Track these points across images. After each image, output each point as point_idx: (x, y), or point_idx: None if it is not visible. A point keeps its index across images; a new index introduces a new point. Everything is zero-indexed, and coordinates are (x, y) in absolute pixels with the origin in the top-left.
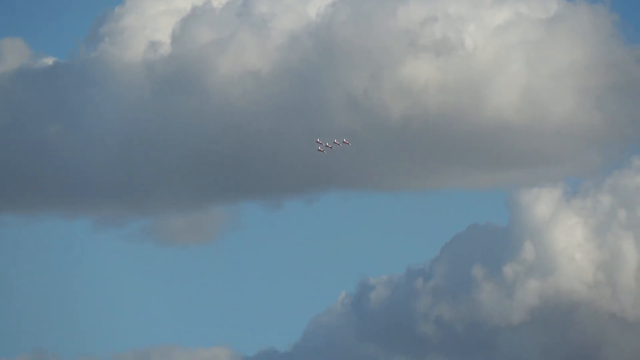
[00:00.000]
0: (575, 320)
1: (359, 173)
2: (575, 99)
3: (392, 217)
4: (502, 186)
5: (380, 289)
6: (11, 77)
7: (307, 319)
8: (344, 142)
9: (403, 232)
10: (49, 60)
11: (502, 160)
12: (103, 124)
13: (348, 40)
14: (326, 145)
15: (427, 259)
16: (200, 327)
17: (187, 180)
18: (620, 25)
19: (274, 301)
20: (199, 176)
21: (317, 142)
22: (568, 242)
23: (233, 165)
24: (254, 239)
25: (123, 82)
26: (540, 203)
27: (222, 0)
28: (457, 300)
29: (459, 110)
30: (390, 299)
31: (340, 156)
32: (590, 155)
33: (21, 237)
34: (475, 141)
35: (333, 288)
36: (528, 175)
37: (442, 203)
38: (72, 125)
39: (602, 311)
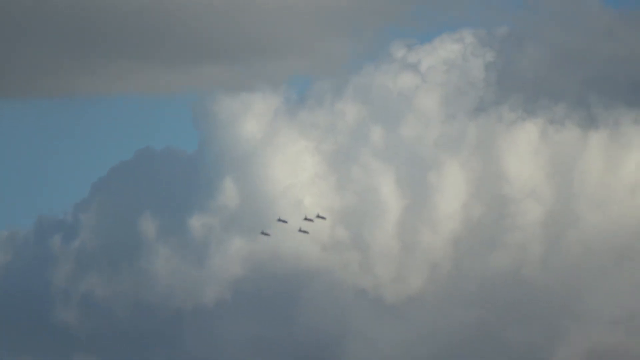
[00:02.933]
0: (303, 301)
1: None
2: None
3: (14, 135)
4: (188, 90)
5: None
6: None
7: None
8: None
9: (30, 160)
10: None
11: (191, 50)
12: None
13: None
14: None
15: (69, 205)
16: None
17: None
18: None
19: None
20: None
21: None
22: (292, 178)
23: None
24: None
25: None
26: (249, 117)
27: None
28: (116, 269)
29: None
30: (8, 269)
31: None
32: (328, 43)
33: None
34: (145, 22)
35: None
36: (230, 74)
37: (95, 116)
38: None
39: (346, 286)
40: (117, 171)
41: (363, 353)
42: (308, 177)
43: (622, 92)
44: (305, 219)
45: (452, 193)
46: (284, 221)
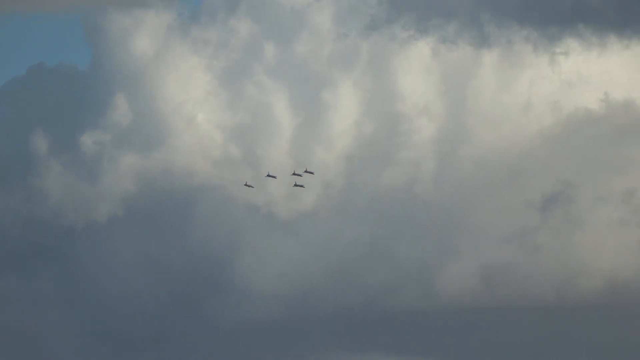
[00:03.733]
0: (195, 217)
1: None
2: None
3: None
4: (82, 6)
5: None
6: None
7: None
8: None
9: None
10: None
11: None
12: None
13: None
14: None
15: None
16: None
17: None
18: None
19: None
20: None
21: None
22: (184, 95)
23: None
24: None
25: None
26: (141, 33)
27: None
28: (7, 186)
29: None
30: None
31: None
32: None
33: None
34: None
35: None
36: None
37: None
38: None
39: (238, 203)
40: (10, 87)
41: (255, 269)
42: (201, 94)
43: (514, 11)
44: (294, 173)
45: (345, 110)
46: (273, 176)
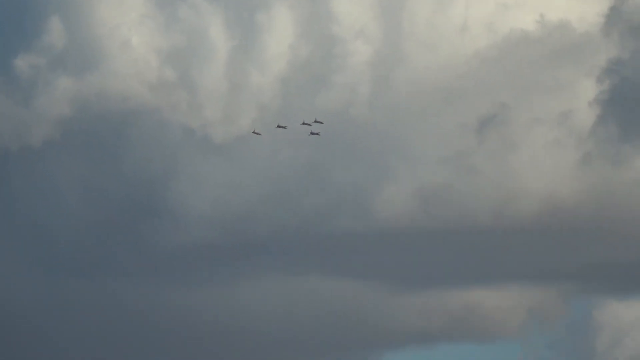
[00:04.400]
0: (131, 141)
1: None
2: None
3: None
4: None
5: None
6: None
7: None
8: None
9: None
10: None
11: None
12: None
13: None
14: None
15: None
16: None
17: None
18: None
19: None
20: None
21: None
22: (119, 18)
23: None
24: None
25: None
26: None
27: None
28: None
29: None
30: None
31: None
32: None
33: None
34: None
35: None
36: None
37: None
38: None
39: (174, 126)
40: None
41: (191, 193)
42: (136, 16)
43: None
44: (303, 123)
45: (281, 33)
46: (283, 127)
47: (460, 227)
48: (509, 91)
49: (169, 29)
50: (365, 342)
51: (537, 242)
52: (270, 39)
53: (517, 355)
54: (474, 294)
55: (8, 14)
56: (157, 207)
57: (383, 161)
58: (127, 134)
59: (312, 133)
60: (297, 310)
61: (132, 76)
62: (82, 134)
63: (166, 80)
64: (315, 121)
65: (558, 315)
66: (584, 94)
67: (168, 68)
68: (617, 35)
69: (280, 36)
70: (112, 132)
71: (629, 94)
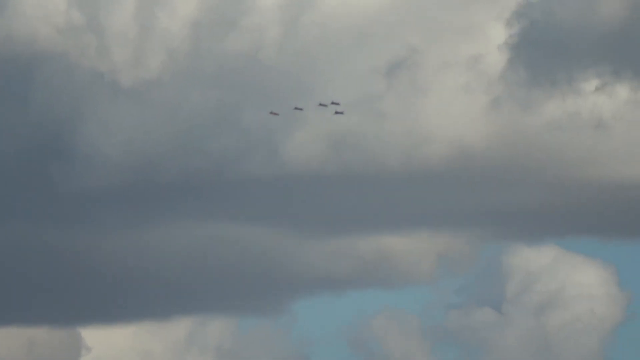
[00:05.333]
0: (38, 84)
1: None
2: None
3: None
4: None
5: None
6: None
7: None
8: None
9: None
10: None
11: None
12: None
13: None
14: None
15: None
16: None
17: None
18: None
19: None
20: None
21: None
22: None
23: None
24: None
25: None
26: None
27: None
28: None
29: None
30: None
31: None
32: None
33: None
34: None
35: None
36: None
37: None
38: None
39: (82, 69)
40: None
41: (99, 136)
42: None
43: None
44: (320, 104)
45: None
46: (300, 109)
47: (370, 171)
48: (419, 34)
49: None
50: (276, 287)
51: (447, 188)
52: None
53: (427, 300)
54: (384, 240)
55: None
56: (65, 151)
57: (292, 105)
58: (35, 77)
59: (337, 112)
60: (207, 255)
61: (39, 19)
62: None
63: (74, 24)
64: (333, 103)
65: (468, 260)
66: (493, 38)
67: (76, 11)
68: None
69: None
70: (19, 75)
71: (538, 38)
